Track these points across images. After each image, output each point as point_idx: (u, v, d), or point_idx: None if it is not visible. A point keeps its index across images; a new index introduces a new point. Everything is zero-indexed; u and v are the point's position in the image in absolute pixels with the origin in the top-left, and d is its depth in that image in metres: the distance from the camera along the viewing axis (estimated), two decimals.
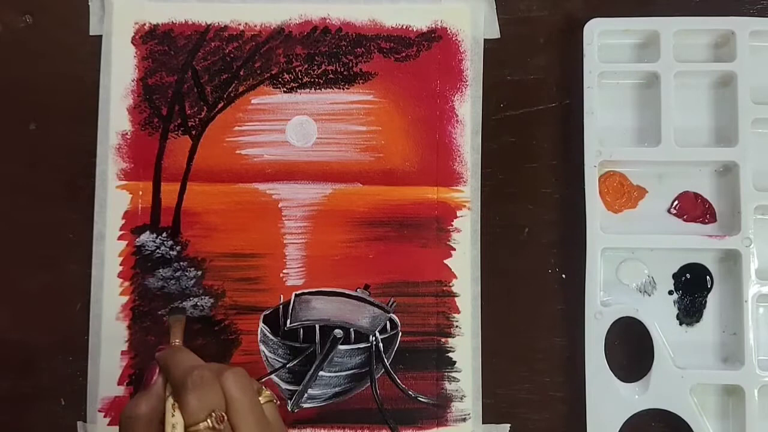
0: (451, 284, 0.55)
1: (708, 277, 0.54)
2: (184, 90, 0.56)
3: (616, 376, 0.52)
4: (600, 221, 0.53)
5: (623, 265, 0.54)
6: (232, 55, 0.57)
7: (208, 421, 0.37)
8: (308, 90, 0.56)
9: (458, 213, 0.55)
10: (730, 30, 0.54)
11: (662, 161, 0.54)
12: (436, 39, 0.56)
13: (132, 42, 0.57)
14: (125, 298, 0.55)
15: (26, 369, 0.55)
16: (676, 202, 0.55)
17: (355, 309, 0.55)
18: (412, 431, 0.54)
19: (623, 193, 0.55)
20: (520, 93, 0.56)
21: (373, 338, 0.54)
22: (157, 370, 0.40)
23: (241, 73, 0.57)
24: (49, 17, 0.58)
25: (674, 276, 0.54)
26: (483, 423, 0.54)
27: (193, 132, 0.56)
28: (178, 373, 0.38)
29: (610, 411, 0.52)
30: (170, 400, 0.38)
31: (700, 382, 0.52)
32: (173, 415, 0.38)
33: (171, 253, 0.55)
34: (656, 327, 0.53)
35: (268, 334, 0.55)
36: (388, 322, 0.55)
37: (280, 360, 0.54)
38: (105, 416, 0.54)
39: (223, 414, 0.37)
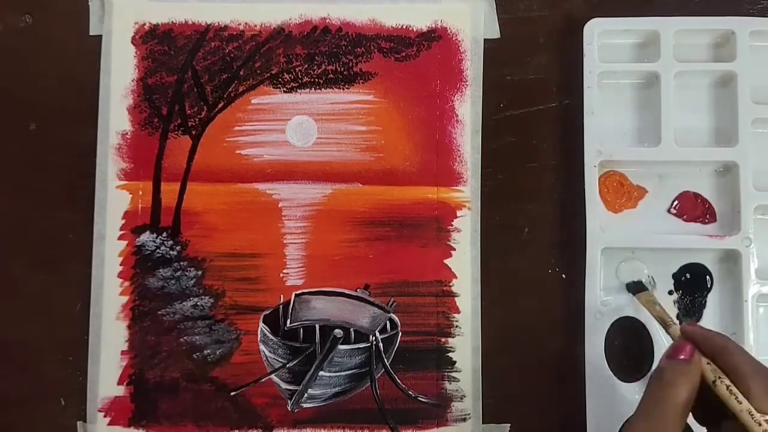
0: (451, 284, 0.55)
1: (708, 277, 0.54)
2: (184, 90, 0.56)
3: (616, 376, 0.52)
4: (600, 221, 0.53)
5: (623, 265, 0.54)
6: (232, 55, 0.57)
7: None
8: (308, 90, 0.56)
9: (458, 213, 0.55)
10: (730, 30, 0.54)
11: (662, 161, 0.54)
12: (436, 39, 0.56)
13: (132, 42, 0.57)
14: (125, 298, 0.55)
15: (26, 369, 0.55)
16: (676, 202, 0.55)
17: (355, 309, 0.55)
18: (412, 431, 0.54)
19: (623, 193, 0.55)
20: (520, 93, 0.56)
21: (373, 338, 0.54)
22: (691, 349, 0.38)
23: (241, 73, 0.57)
24: (49, 17, 0.58)
25: (674, 276, 0.54)
26: (483, 423, 0.54)
27: (193, 132, 0.56)
28: (744, 356, 0.37)
29: (610, 411, 0.52)
30: (726, 380, 0.37)
31: None
32: (739, 401, 0.36)
33: (171, 253, 0.55)
34: (656, 327, 0.53)
35: (268, 334, 0.55)
36: (388, 322, 0.55)
37: (280, 360, 0.54)
38: (105, 416, 0.54)
39: None
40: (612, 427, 0.52)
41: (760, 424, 0.35)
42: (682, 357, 0.38)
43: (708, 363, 0.38)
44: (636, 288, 0.52)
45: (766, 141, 0.55)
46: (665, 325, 0.45)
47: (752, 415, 0.36)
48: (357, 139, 0.56)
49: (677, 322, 0.40)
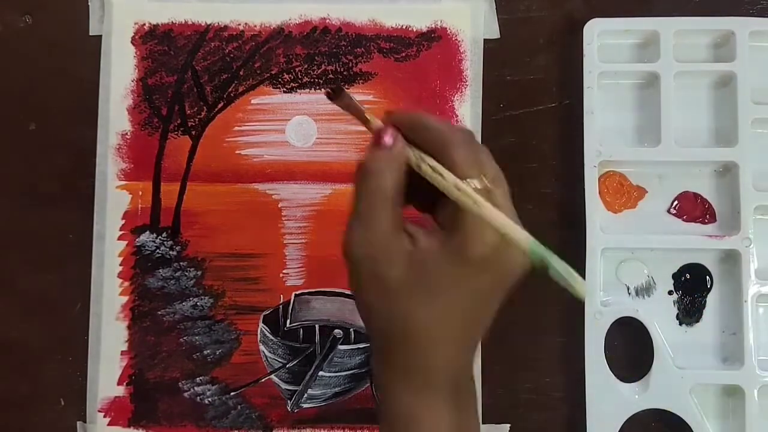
0: None
1: (708, 277, 0.54)
2: (184, 90, 0.56)
3: (616, 376, 0.52)
4: (600, 221, 0.53)
5: (623, 265, 0.54)
6: (232, 55, 0.57)
7: (482, 178, 0.34)
8: (308, 90, 0.56)
9: None
10: (730, 30, 0.54)
11: (662, 161, 0.54)
12: (436, 39, 0.56)
13: (132, 42, 0.57)
14: (125, 298, 0.55)
15: (26, 369, 0.55)
16: (675, 202, 0.55)
17: (355, 309, 0.54)
18: None
19: (623, 193, 0.55)
20: (520, 93, 0.56)
21: None
22: (392, 131, 0.36)
23: (241, 73, 0.57)
24: (49, 17, 0.58)
25: (674, 276, 0.54)
26: (483, 423, 0.54)
27: (193, 132, 0.56)
28: (441, 127, 0.35)
29: (610, 411, 0.52)
30: (427, 160, 0.35)
31: (700, 382, 0.52)
32: (444, 178, 0.34)
33: (171, 253, 0.55)
34: (656, 327, 0.53)
35: (268, 334, 0.55)
36: None
37: (280, 360, 0.54)
38: (105, 416, 0.54)
39: (489, 175, 0.34)
40: (612, 427, 0.52)
41: (466, 193, 0.33)
42: (383, 142, 0.36)
43: (411, 147, 0.36)
44: (335, 94, 0.40)
45: (766, 141, 0.55)
46: (365, 121, 0.39)
47: (458, 188, 0.34)
48: (357, 139, 0.56)
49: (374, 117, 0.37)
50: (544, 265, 0.32)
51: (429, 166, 0.35)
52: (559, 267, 0.32)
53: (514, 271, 0.35)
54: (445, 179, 0.34)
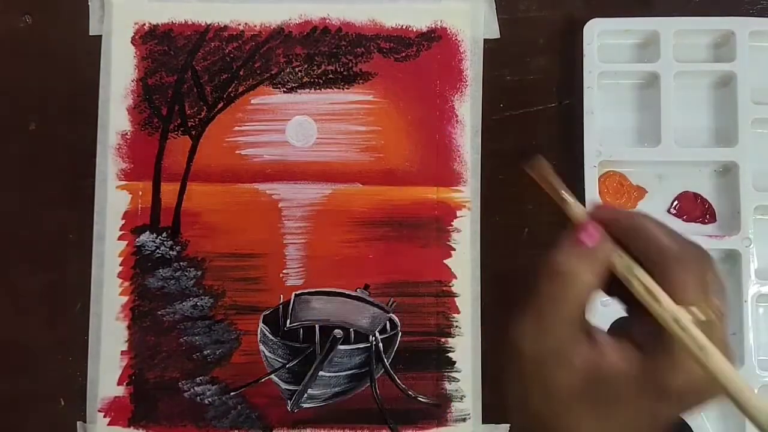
0: (450, 284, 0.55)
1: None
2: (184, 90, 0.56)
3: None
4: None
5: None
6: (231, 55, 0.57)
7: (708, 310, 0.28)
8: (308, 90, 0.56)
9: (458, 213, 0.55)
10: (730, 30, 0.54)
11: (662, 161, 0.54)
12: (436, 39, 0.56)
13: (132, 42, 0.57)
14: (125, 298, 0.55)
15: (26, 369, 0.55)
16: (675, 203, 0.55)
17: (355, 309, 0.55)
18: (412, 431, 0.54)
19: (623, 193, 0.55)
20: (520, 93, 0.56)
21: (373, 338, 0.54)
22: (597, 229, 0.31)
23: (241, 73, 0.57)
24: (49, 17, 0.58)
25: None
26: (483, 423, 0.54)
27: (193, 132, 0.56)
28: (665, 239, 0.29)
29: None
30: (639, 275, 0.29)
31: None
32: (659, 303, 0.29)
33: (171, 253, 0.55)
34: None
35: (268, 334, 0.55)
36: (387, 322, 0.55)
37: (280, 360, 0.54)
38: (105, 416, 0.54)
39: (720, 310, 0.29)
40: None
41: (688, 332, 0.28)
42: (585, 241, 0.31)
43: (620, 255, 0.30)
44: (531, 164, 0.37)
45: (766, 141, 0.55)
46: (561, 201, 0.35)
47: (679, 323, 0.28)
48: (357, 139, 0.56)
49: (575, 200, 0.32)
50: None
51: (641, 284, 0.29)
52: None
53: (706, 403, 0.30)
54: (662, 306, 0.29)
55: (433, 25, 0.56)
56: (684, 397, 0.29)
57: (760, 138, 0.54)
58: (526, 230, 0.55)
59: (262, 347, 0.55)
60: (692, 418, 0.33)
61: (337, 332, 0.54)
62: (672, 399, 0.29)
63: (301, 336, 0.54)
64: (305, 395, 0.54)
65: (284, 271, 0.55)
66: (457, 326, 0.54)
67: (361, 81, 0.56)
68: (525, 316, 0.31)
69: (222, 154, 0.56)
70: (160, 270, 0.55)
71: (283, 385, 0.54)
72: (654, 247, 0.30)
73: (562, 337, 0.30)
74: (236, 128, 0.56)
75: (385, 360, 0.54)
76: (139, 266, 0.55)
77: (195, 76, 0.57)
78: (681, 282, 0.29)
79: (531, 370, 0.31)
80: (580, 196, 0.53)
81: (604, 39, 0.54)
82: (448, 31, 0.56)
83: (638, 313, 0.30)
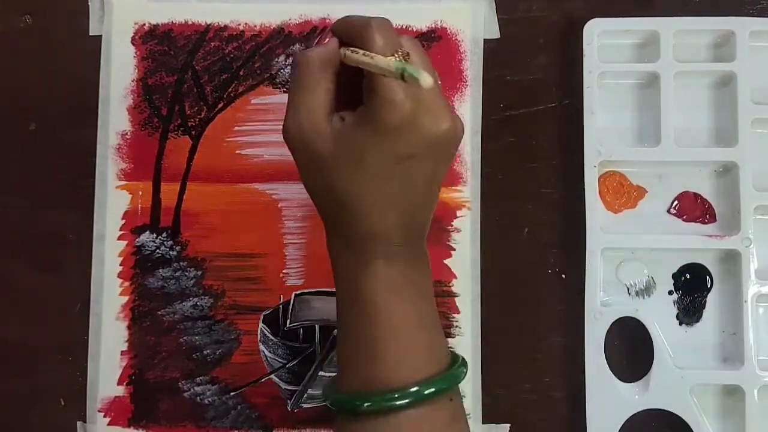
0: (450, 284, 0.55)
1: (708, 277, 0.54)
2: (184, 90, 0.56)
3: (616, 376, 0.52)
4: (600, 221, 0.53)
5: (623, 265, 0.54)
6: (232, 55, 0.57)
7: (396, 56, 0.36)
8: None
9: (458, 213, 0.55)
10: (730, 30, 0.54)
11: (662, 161, 0.54)
12: (436, 39, 0.56)
13: (132, 42, 0.57)
14: (125, 298, 0.55)
15: (26, 369, 0.55)
16: (675, 202, 0.55)
17: None
18: None
19: (623, 193, 0.55)
20: (520, 93, 0.56)
21: None
22: (330, 35, 0.39)
23: (241, 73, 0.57)
24: (49, 17, 0.58)
25: (674, 276, 0.54)
26: (483, 423, 0.54)
27: (193, 132, 0.56)
28: (358, 21, 0.38)
29: (610, 411, 0.52)
30: (357, 51, 0.37)
31: (700, 382, 0.52)
32: (361, 54, 0.36)
33: (171, 253, 0.55)
34: (656, 327, 0.53)
35: (268, 334, 0.55)
36: None
37: (280, 360, 0.54)
38: (105, 416, 0.54)
39: (408, 52, 0.37)
40: (612, 427, 0.52)
41: (389, 66, 0.35)
42: (320, 41, 0.41)
43: (351, 51, 0.37)
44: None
45: (766, 141, 0.55)
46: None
47: (366, 55, 0.36)
48: None
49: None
50: (411, 76, 0.34)
51: (359, 55, 0.37)
52: (411, 69, 0.34)
53: (430, 135, 0.37)
54: (374, 60, 0.36)
55: (433, 25, 0.56)
56: (403, 130, 0.36)
57: (760, 138, 0.54)
58: (526, 230, 0.55)
59: (262, 347, 0.55)
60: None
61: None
62: (395, 132, 0.36)
63: (301, 336, 0.54)
64: (305, 395, 0.54)
65: (284, 271, 0.55)
66: (457, 326, 0.54)
67: None
68: (286, 114, 0.39)
69: (222, 154, 0.56)
70: (160, 270, 0.55)
71: (283, 385, 0.54)
72: (356, 30, 0.37)
73: (312, 116, 0.38)
74: (236, 128, 0.56)
75: None
76: (139, 266, 0.55)
77: (195, 76, 0.57)
78: (379, 40, 0.36)
79: (301, 153, 0.39)
80: (581, 196, 0.53)
81: (604, 39, 0.54)
82: (448, 31, 0.56)
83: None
